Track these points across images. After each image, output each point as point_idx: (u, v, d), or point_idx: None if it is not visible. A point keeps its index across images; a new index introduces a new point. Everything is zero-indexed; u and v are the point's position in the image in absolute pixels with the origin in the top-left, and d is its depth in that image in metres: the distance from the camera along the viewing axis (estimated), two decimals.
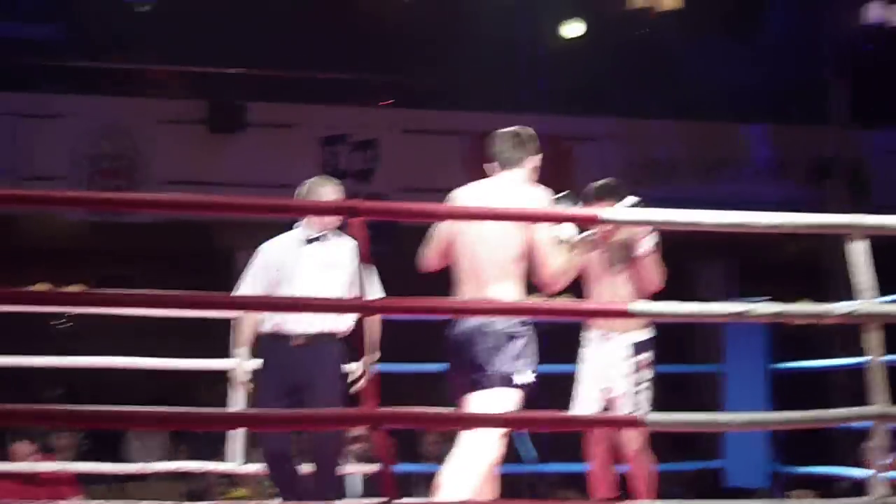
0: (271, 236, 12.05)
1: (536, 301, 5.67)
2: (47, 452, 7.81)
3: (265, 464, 6.18)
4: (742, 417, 5.19)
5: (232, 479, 8.79)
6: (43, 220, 11.98)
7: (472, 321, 5.20)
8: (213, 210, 5.98)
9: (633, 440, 6.11)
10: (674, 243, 11.36)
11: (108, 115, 11.72)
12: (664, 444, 10.40)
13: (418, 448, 9.29)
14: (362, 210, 4.72)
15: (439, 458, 9.01)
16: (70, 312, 11.17)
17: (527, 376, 5.18)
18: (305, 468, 6.19)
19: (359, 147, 12.00)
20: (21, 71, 12.14)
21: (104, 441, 9.42)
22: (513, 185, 5.39)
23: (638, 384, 6.13)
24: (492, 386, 5.15)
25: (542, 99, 12.53)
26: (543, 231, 5.28)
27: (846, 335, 10.82)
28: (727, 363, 7.44)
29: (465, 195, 5.47)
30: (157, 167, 11.49)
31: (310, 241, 6.27)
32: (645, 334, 6.20)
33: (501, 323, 5.17)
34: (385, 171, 11.94)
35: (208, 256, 11.91)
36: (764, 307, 4.92)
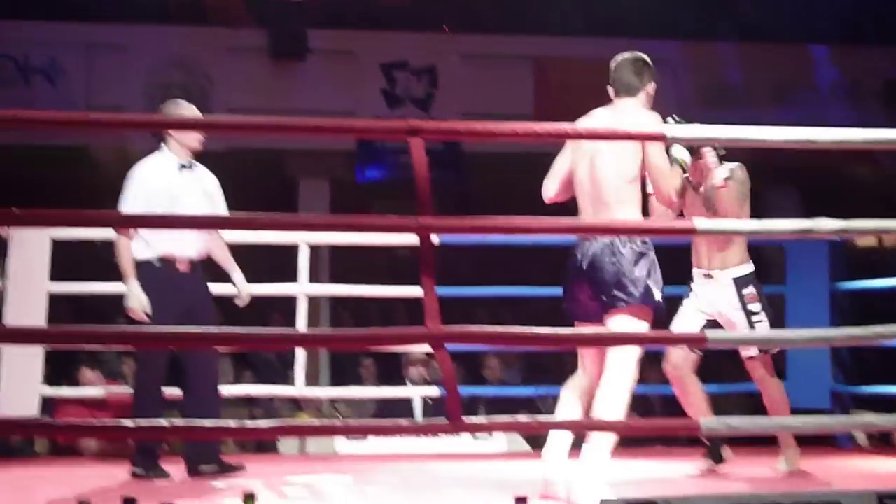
0: (333, 165, 12.15)
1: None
2: (114, 378, 7.90)
3: (142, 394, 6.19)
4: (805, 334, 5.16)
5: (297, 403, 8.91)
6: (114, 150, 12.07)
7: (601, 241, 5.28)
8: (281, 132, 5.95)
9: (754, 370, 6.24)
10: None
11: (175, 45, 11.76)
12: (728, 366, 10.42)
13: (481, 371, 9.31)
14: (425, 129, 4.68)
15: (502, 382, 9.14)
16: None
17: (658, 294, 5.27)
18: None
19: (419, 73, 11.96)
20: (89, 2, 12.18)
21: (169, 368, 9.48)
22: (629, 111, 5.46)
23: (750, 316, 6.18)
24: (627, 305, 5.23)
25: (609, 22, 12.39)
26: (657, 153, 5.32)
27: None
28: (790, 285, 7.37)
29: (585, 123, 5.50)
30: (223, 95, 11.54)
31: (182, 167, 6.28)
32: (742, 270, 6.27)
33: (629, 242, 5.25)
34: (445, 98, 11.89)
35: (275, 185, 11.98)
36: (829, 222, 4.86)
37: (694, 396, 6.28)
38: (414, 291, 6.61)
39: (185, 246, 6.13)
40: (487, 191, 11.63)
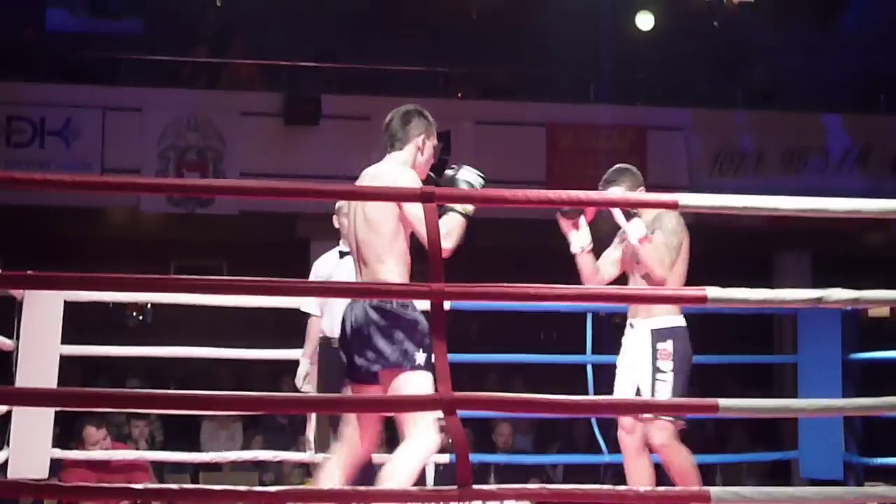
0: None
1: (604, 288, 5.61)
2: (119, 440, 7.83)
3: None
4: (816, 403, 5.11)
5: (307, 469, 8.85)
6: (126, 212, 12.11)
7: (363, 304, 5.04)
8: (290, 196, 5.96)
9: (657, 433, 5.64)
10: (754, 234, 11.38)
11: (189, 107, 11.83)
12: (743, 434, 10.40)
13: (492, 438, 9.26)
14: (438, 195, 4.67)
15: (512, 449, 9.09)
16: (148, 303, 11.33)
17: (420, 357, 5.06)
18: None
19: None
20: (105, 65, 12.32)
21: (178, 432, 9.46)
22: (389, 168, 5.24)
23: (655, 374, 5.64)
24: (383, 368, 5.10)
25: (623, 89, 12.44)
26: (415, 210, 4.97)
27: None
28: (802, 354, 7.32)
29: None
30: (236, 159, 11.59)
31: (343, 254, 6.63)
32: (665, 322, 5.68)
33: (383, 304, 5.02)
34: (458, 163, 11.89)
35: (287, 247, 12.00)
36: (841, 292, 4.83)
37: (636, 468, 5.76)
38: None
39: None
40: (497, 254, 11.64)
